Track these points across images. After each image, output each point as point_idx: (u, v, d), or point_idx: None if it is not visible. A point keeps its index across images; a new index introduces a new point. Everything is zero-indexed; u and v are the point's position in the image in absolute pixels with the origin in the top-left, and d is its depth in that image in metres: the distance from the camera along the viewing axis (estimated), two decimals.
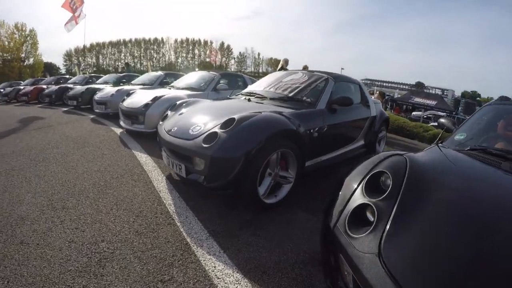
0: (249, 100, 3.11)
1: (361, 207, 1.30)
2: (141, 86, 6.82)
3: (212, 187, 2.19)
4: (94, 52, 72.73)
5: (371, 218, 1.24)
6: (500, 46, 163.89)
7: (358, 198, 1.35)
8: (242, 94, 3.47)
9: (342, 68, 36.74)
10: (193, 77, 6.19)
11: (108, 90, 6.89)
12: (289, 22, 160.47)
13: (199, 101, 3.36)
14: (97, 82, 10.20)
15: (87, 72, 45.55)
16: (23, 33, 39.24)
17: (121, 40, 75.44)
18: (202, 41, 79.60)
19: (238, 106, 2.86)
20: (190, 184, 2.66)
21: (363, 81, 4.31)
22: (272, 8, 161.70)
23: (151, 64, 61.15)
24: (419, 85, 65.61)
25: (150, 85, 7.16)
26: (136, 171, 3.09)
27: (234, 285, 1.53)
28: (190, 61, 78.69)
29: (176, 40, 79.20)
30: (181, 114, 2.93)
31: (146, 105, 4.58)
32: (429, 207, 1.19)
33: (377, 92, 12.01)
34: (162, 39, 78.33)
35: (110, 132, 5.09)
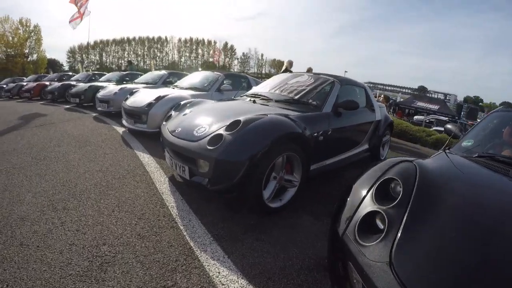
0: (254, 101, 3.07)
1: (371, 214, 1.28)
2: (145, 85, 6.78)
3: (216, 190, 2.16)
4: (97, 50, 72.77)
5: (381, 226, 1.23)
6: (503, 51, 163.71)
7: (368, 205, 1.33)
8: (247, 96, 3.43)
9: (345, 71, 36.75)
10: (197, 77, 6.17)
11: (111, 88, 6.86)
12: (293, 23, 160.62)
13: (203, 102, 3.33)
14: (100, 80, 10.19)
15: (90, 70, 45.68)
16: (27, 29, 39.31)
17: (125, 38, 75.49)
18: (205, 41, 79.75)
19: (243, 107, 2.82)
20: (193, 186, 2.63)
21: (365, 84, 4.28)
22: (276, 10, 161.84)
23: (155, 63, 61.18)
24: (422, 89, 65.52)
25: (153, 84, 7.13)
26: (138, 171, 3.06)
27: None
28: (193, 61, 78.75)
29: (179, 40, 79.28)
30: (185, 114, 2.89)
31: (150, 105, 4.55)
32: (440, 216, 1.18)
33: (382, 96, 11.95)
34: (166, 38, 78.39)
35: (112, 131, 5.07)
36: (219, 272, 1.62)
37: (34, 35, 40.11)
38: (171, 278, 1.55)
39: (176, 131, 2.50)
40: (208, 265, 1.66)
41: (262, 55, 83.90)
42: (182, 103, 3.31)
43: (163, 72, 7.93)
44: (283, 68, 7.63)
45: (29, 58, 40.22)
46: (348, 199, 1.45)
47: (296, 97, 3.00)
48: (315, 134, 2.59)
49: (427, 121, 17.00)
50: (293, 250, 1.89)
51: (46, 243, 1.79)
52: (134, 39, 76.34)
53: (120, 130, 5.08)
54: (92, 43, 66.93)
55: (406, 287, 0.93)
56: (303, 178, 2.44)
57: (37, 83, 12.04)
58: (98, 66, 67.79)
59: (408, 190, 1.31)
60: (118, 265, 1.62)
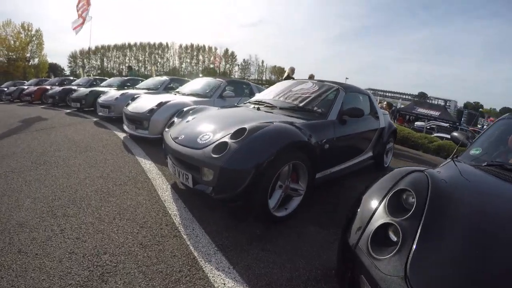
0: (258, 109, 3.04)
1: (384, 227, 1.24)
2: (146, 91, 6.78)
3: (220, 199, 2.11)
4: (98, 55, 73.25)
5: (394, 238, 1.20)
6: (503, 57, 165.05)
7: (381, 217, 1.29)
8: (250, 103, 3.40)
9: (346, 78, 36.93)
10: (199, 83, 6.16)
11: (112, 93, 6.84)
12: (293, 30, 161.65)
13: (206, 109, 3.29)
14: (101, 85, 10.21)
15: (91, 74, 45.88)
16: (29, 33, 39.56)
17: (126, 44, 76.10)
18: (206, 47, 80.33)
19: (247, 115, 2.79)
20: (196, 194, 2.58)
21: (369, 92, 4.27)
22: (277, 17, 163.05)
23: (155, 68, 61.44)
24: (422, 95, 65.71)
25: (155, 89, 7.13)
26: (140, 178, 3.01)
27: None
28: (194, 67, 79.18)
29: (180, 46, 79.87)
30: (188, 121, 2.86)
31: (151, 111, 4.51)
32: (455, 228, 1.15)
33: (385, 103, 11.93)
34: (167, 44, 79.01)
35: (113, 136, 5.02)
36: (224, 284, 1.56)
37: (35, 39, 40.37)
38: None
39: (179, 138, 2.46)
40: (212, 276, 1.61)
41: (262, 62, 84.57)
42: (185, 109, 3.28)
43: (165, 78, 7.93)
44: (285, 74, 7.66)
45: (30, 62, 40.44)
46: (359, 210, 1.41)
47: (301, 104, 2.97)
48: (321, 142, 2.55)
49: (428, 127, 17.00)
50: (299, 260, 1.84)
51: (45, 250, 1.74)
52: (135, 44, 77.02)
53: (121, 135, 5.04)
54: (93, 48, 67.48)
55: None
56: (308, 186, 2.40)
57: (38, 87, 12.05)
58: (99, 71, 68.15)
59: (421, 202, 1.28)
60: (120, 275, 1.57)
